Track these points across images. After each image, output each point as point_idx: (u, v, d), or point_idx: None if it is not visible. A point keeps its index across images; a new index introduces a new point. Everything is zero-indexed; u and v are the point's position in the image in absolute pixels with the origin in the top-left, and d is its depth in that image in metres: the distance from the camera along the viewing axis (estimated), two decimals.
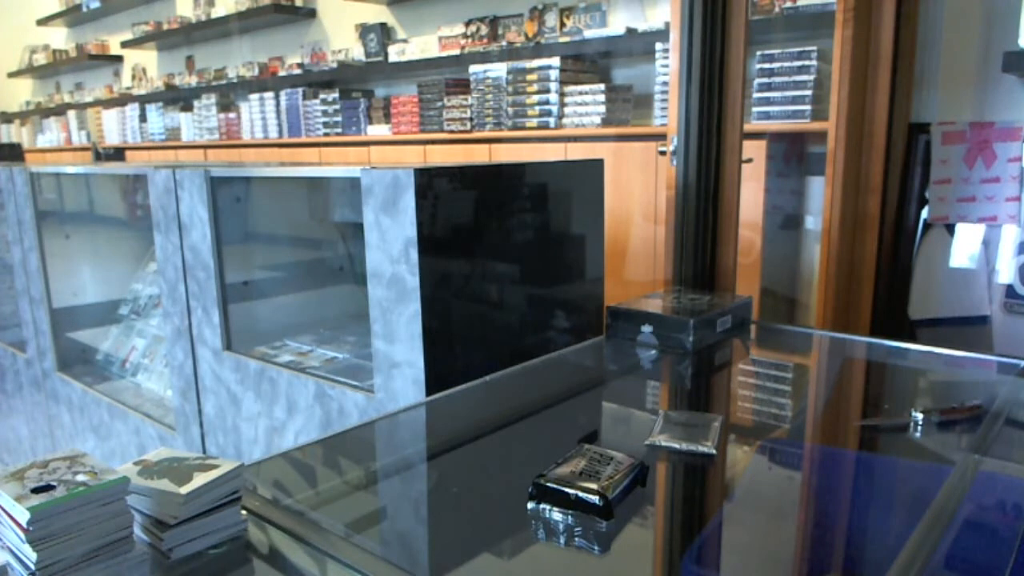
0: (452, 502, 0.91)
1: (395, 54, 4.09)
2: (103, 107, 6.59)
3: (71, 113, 7.05)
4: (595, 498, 0.82)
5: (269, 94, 4.75)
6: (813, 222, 2.62)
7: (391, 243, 1.38)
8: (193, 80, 5.64)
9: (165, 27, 5.65)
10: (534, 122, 3.33)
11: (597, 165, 1.73)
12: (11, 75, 7.85)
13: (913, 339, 2.08)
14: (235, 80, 5.22)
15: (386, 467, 1.05)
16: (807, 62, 2.52)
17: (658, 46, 2.98)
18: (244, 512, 0.78)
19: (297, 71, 4.71)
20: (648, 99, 3.21)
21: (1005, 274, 2.05)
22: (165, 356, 2.20)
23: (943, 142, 2.09)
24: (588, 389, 1.37)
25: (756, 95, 2.60)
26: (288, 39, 4.94)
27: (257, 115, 4.87)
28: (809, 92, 2.52)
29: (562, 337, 1.67)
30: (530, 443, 1.11)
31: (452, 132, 3.69)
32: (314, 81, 4.60)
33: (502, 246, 1.53)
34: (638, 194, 2.78)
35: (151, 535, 0.73)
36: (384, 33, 4.22)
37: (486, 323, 1.52)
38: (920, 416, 1.07)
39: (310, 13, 4.77)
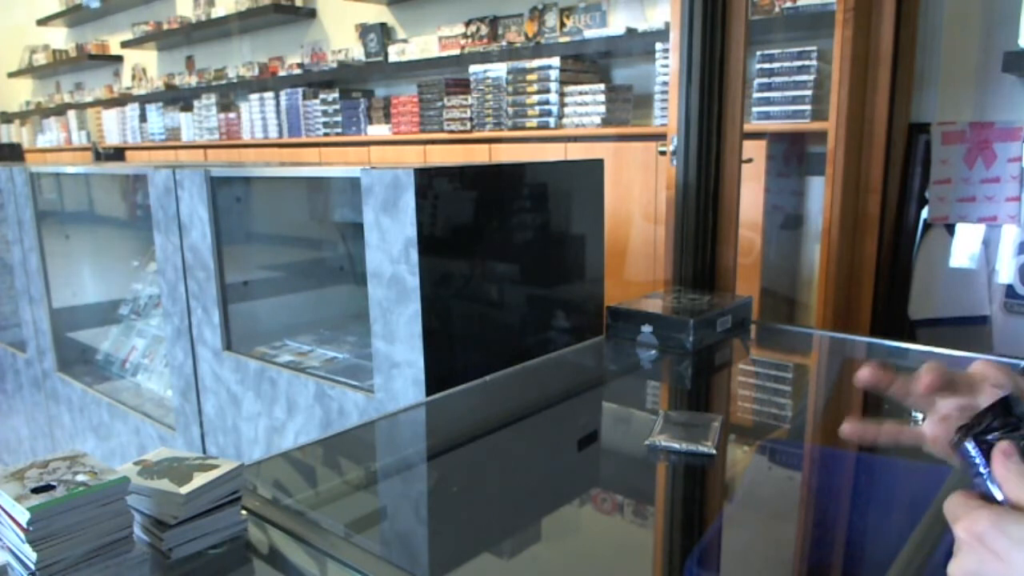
0: (452, 502, 0.91)
1: (395, 54, 4.09)
2: (103, 107, 6.59)
3: (71, 113, 7.05)
4: None
5: (269, 94, 4.75)
6: (813, 222, 2.62)
7: (391, 243, 1.38)
8: (193, 80, 5.64)
9: (165, 27, 5.65)
10: (534, 122, 3.33)
11: (597, 165, 1.73)
12: (11, 75, 7.85)
13: (913, 339, 2.08)
14: (235, 80, 5.22)
15: (386, 467, 1.05)
16: (807, 62, 2.52)
17: (658, 46, 2.97)
18: (244, 512, 0.78)
19: (297, 71, 4.71)
20: (648, 99, 3.21)
21: (1005, 274, 2.05)
22: (165, 356, 2.20)
23: (943, 142, 2.09)
24: (588, 389, 1.37)
25: (756, 95, 2.60)
26: (288, 39, 4.94)
27: (257, 115, 4.87)
28: (809, 92, 2.52)
29: (562, 337, 1.67)
30: (530, 443, 1.11)
31: (452, 132, 3.69)
32: (314, 81, 4.60)
33: (502, 246, 1.53)
34: (638, 194, 2.78)
35: (151, 535, 0.73)
36: (384, 33, 4.22)
37: (486, 323, 1.52)
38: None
39: (310, 13, 4.77)
